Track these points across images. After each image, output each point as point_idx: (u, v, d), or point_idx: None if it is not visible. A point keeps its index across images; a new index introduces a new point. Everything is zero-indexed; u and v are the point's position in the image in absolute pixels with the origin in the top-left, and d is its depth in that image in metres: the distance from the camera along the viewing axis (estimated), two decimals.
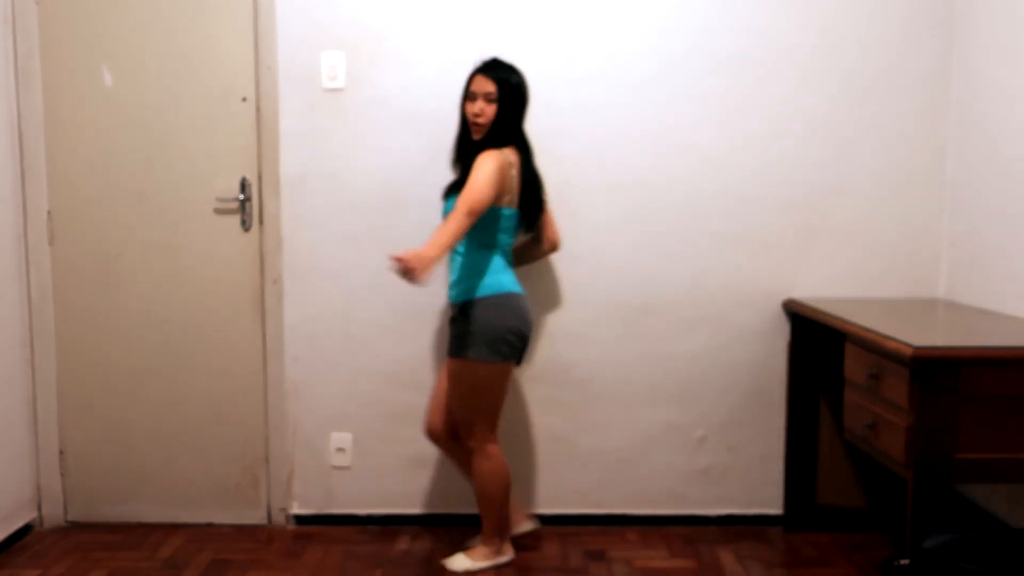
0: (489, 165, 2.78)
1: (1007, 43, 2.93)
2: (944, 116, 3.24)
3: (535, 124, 3.22)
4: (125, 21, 3.24)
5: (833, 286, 3.29)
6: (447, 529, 3.34)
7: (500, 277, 2.87)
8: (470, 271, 2.86)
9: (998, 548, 2.27)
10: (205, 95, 3.25)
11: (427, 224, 3.26)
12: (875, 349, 2.49)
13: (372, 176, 3.27)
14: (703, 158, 3.25)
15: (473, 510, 3.37)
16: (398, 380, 3.33)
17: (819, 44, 3.22)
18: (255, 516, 3.40)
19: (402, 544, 3.22)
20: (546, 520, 3.37)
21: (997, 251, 2.96)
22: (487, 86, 2.85)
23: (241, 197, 3.28)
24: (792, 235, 3.29)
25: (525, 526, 3.16)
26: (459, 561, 2.97)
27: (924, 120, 3.24)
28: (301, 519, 3.40)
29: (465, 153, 2.94)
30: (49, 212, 3.31)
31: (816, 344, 3.26)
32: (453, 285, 2.92)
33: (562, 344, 3.31)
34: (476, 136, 2.90)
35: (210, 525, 3.38)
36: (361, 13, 3.22)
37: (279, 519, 3.39)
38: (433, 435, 3.05)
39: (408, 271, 2.57)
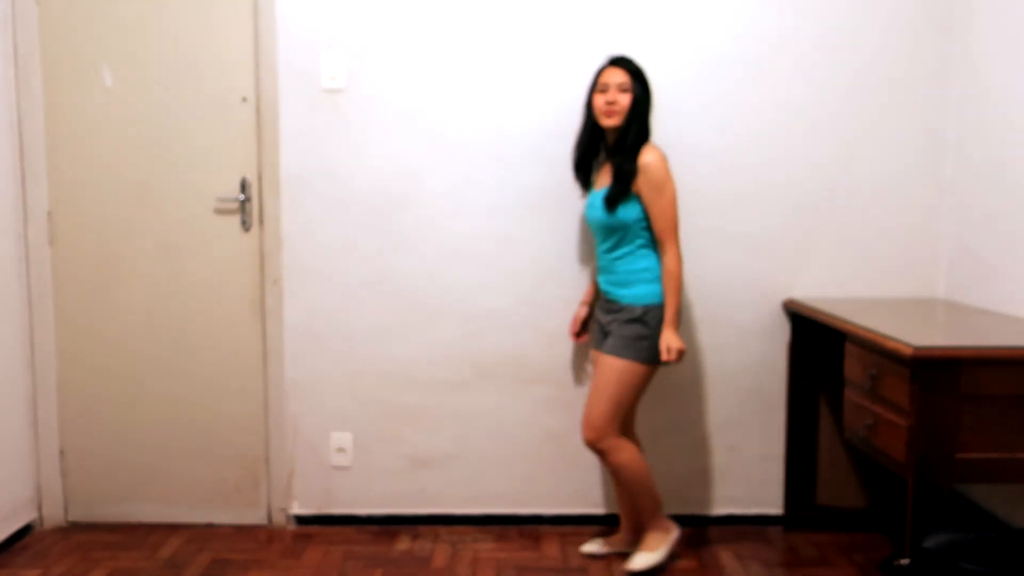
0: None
1: (1008, 43, 2.93)
2: (944, 116, 3.24)
3: (533, 125, 3.22)
4: (125, 21, 3.24)
5: (833, 286, 3.29)
6: (447, 529, 3.34)
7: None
8: (646, 274, 2.86)
9: (998, 548, 2.27)
10: (205, 95, 3.25)
11: (427, 223, 3.27)
12: (875, 349, 2.50)
13: (372, 176, 3.27)
14: (703, 158, 3.25)
15: (473, 511, 3.38)
16: (398, 380, 3.33)
17: (819, 44, 3.22)
18: (255, 516, 3.40)
19: (402, 544, 3.22)
20: (546, 520, 3.37)
21: (997, 251, 2.96)
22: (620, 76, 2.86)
23: (241, 197, 3.28)
24: (792, 235, 3.29)
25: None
26: (641, 559, 2.95)
27: (925, 120, 3.24)
28: (301, 519, 3.40)
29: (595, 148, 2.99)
30: (49, 212, 3.31)
31: (816, 344, 3.26)
32: (624, 285, 2.88)
33: (562, 344, 3.30)
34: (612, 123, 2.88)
35: (210, 525, 3.38)
36: (361, 13, 3.22)
37: (279, 519, 3.39)
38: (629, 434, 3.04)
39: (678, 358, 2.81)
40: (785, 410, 3.33)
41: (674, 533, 2.99)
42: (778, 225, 3.28)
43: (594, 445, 2.88)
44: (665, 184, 2.81)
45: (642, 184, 2.81)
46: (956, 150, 3.21)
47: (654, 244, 2.88)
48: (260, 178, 3.28)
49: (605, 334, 2.96)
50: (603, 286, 2.98)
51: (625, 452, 2.89)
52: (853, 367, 2.66)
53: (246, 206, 3.28)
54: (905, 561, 2.33)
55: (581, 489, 3.37)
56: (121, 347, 3.34)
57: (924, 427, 2.30)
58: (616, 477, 2.95)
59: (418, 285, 3.30)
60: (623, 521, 3.11)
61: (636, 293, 2.86)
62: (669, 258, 2.82)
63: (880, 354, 2.47)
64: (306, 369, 3.34)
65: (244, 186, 3.28)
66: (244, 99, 3.25)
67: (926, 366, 2.30)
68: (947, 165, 3.25)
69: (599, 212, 2.88)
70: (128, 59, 3.25)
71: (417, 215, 3.28)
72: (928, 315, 2.96)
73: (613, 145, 2.91)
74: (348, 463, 3.37)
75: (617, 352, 2.85)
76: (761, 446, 3.36)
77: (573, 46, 3.21)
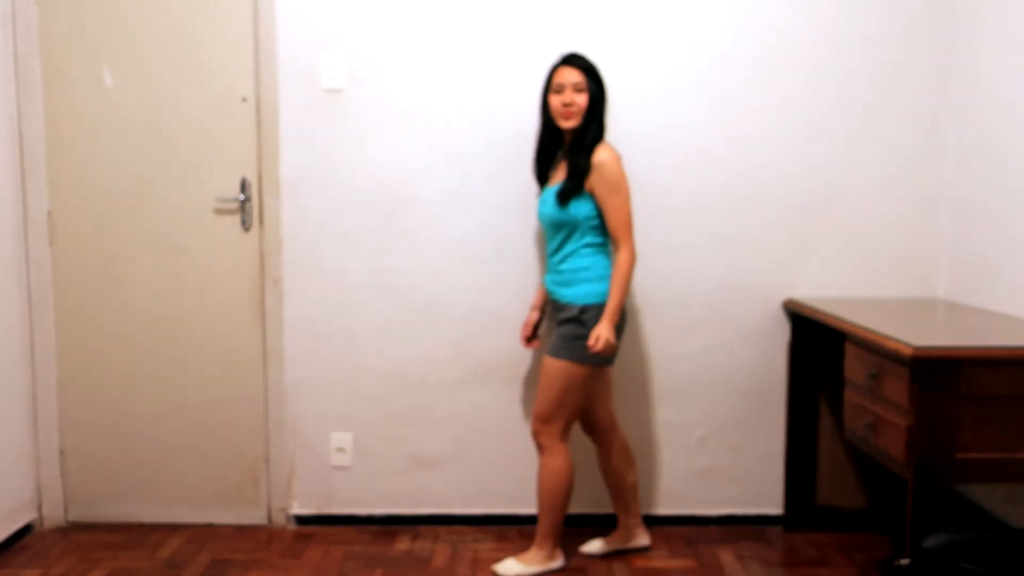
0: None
1: (1007, 44, 2.93)
2: (944, 116, 3.24)
3: (532, 125, 3.22)
4: (125, 21, 3.24)
5: (833, 286, 3.29)
6: (447, 529, 3.34)
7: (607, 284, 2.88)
8: (587, 273, 2.85)
9: (998, 548, 2.27)
10: (205, 95, 3.25)
11: (428, 224, 3.27)
12: (875, 349, 2.50)
13: (372, 176, 3.27)
14: (703, 158, 3.25)
15: (473, 511, 3.38)
16: (398, 380, 3.33)
17: (820, 44, 3.22)
18: (255, 516, 3.40)
19: (402, 544, 3.22)
20: None
21: (997, 251, 2.96)
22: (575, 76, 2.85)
23: (241, 197, 3.28)
24: (792, 235, 3.29)
25: (641, 540, 3.15)
26: (511, 566, 2.96)
27: (924, 120, 3.24)
28: (301, 519, 3.40)
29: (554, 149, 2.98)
30: (49, 212, 3.31)
31: (816, 344, 3.26)
32: (566, 284, 2.87)
33: None
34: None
35: (210, 525, 3.38)
36: (361, 13, 3.22)
37: (279, 519, 3.39)
38: (587, 431, 3.08)
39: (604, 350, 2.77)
40: (785, 410, 3.33)
41: (555, 563, 2.98)
42: (778, 225, 3.28)
43: (535, 438, 2.93)
44: (620, 182, 2.82)
45: (596, 182, 2.80)
46: (956, 150, 3.21)
47: (600, 245, 2.87)
48: (260, 178, 3.28)
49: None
50: (548, 286, 2.97)
51: (558, 460, 2.90)
52: (853, 367, 2.66)
53: (246, 206, 3.28)
54: (905, 561, 2.33)
55: (580, 489, 3.35)
56: (121, 347, 3.34)
57: (924, 427, 2.30)
58: (538, 476, 2.94)
59: (418, 285, 3.30)
60: (619, 519, 3.12)
61: (576, 292, 2.85)
62: (623, 254, 2.81)
63: (880, 354, 2.47)
64: (306, 369, 3.34)
65: (244, 186, 3.28)
66: (244, 99, 3.25)
67: (926, 366, 2.29)
68: (947, 165, 3.25)
69: (550, 207, 2.87)
70: (128, 59, 3.25)
71: (417, 215, 3.28)
72: (928, 315, 2.96)
73: (571, 144, 2.89)
74: (348, 463, 3.37)
75: (555, 352, 2.86)
76: (761, 446, 3.36)
77: (572, 47, 3.20)
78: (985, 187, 3.04)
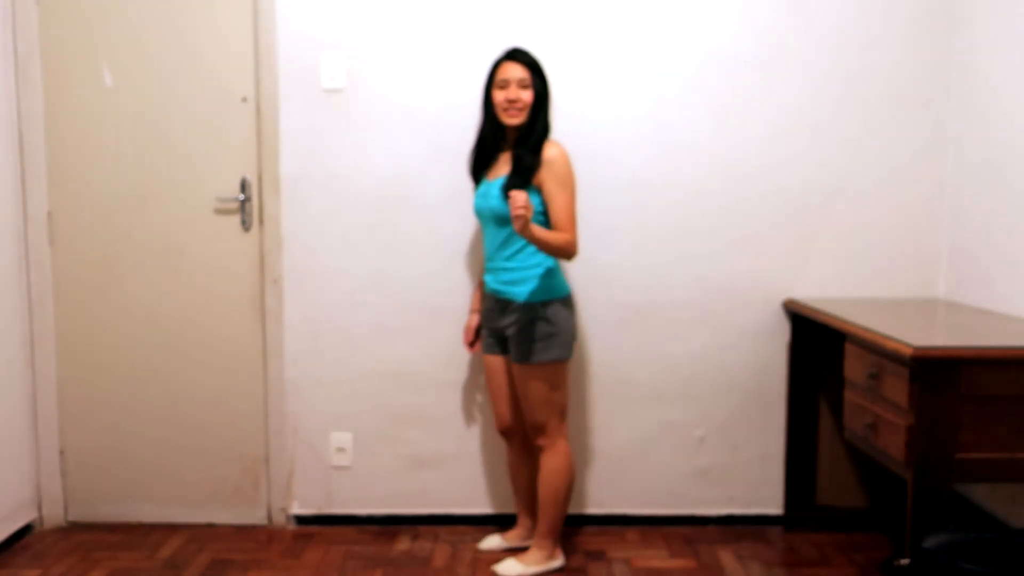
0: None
1: (1007, 43, 2.93)
2: (944, 117, 3.24)
3: None
4: (125, 21, 3.24)
5: (833, 286, 3.29)
6: (447, 529, 3.34)
7: (562, 277, 2.89)
8: (539, 269, 2.83)
9: (998, 548, 2.27)
10: (205, 95, 3.25)
11: (428, 224, 3.27)
12: (875, 349, 2.50)
13: (372, 176, 3.27)
14: (703, 158, 3.25)
15: (473, 511, 3.38)
16: (398, 380, 3.33)
17: (819, 45, 3.22)
18: (255, 516, 3.40)
19: (402, 544, 3.22)
20: None
21: (997, 251, 2.96)
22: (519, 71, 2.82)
23: (241, 197, 3.28)
24: (792, 235, 3.29)
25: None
26: (513, 567, 2.95)
27: (924, 120, 3.24)
28: (301, 519, 3.40)
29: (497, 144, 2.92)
30: (49, 212, 3.31)
31: (816, 344, 3.26)
32: (519, 282, 2.84)
33: None
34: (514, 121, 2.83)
35: (210, 525, 3.38)
36: (361, 13, 3.22)
37: (279, 519, 3.39)
38: (510, 433, 3.04)
39: (520, 215, 2.58)
40: (785, 410, 3.33)
41: (555, 563, 2.97)
42: (778, 225, 3.28)
43: (535, 442, 2.94)
44: (569, 178, 2.81)
45: (546, 177, 2.79)
46: (956, 150, 3.21)
47: None
48: (260, 178, 3.28)
49: (502, 338, 2.92)
50: (494, 285, 2.91)
51: (559, 458, 2.90)
52: (853, 367, 2.66)
53: (246, 206, 3.28)
54: (905, 561, 2.33)
55: (579, 489, 3.37)
56: (121, 347, 3.34)
57: (924, 427, 2.30)
58: (540, 475, 2.93)
59: (418, 285, 3.30)
60: (522, 520, 3.13)
61: (532, 289, 2.81)
62: (565, 236, 2.77)
63: (880, 354, 2.47)
64: (306, 369, 3.34)
65: (244, 186, 3.28)
66: (244, 99, 3.25)
67: (926, 366, 2.29)
68: (947, 165, 3.25)
69: (496, 201, 2.82)
70: (128, 59, 3.25)
71: (417, 215, 3.28)
72: (928, 315, 2.96)
73: (516, 140, 2.86)
74: (348, 463, 3.37)
75: (529, 357, 2.82)
76: (761, 446, 3.36)
77: (572, 46, 3.21)
78: (985, 187, 3.04)
